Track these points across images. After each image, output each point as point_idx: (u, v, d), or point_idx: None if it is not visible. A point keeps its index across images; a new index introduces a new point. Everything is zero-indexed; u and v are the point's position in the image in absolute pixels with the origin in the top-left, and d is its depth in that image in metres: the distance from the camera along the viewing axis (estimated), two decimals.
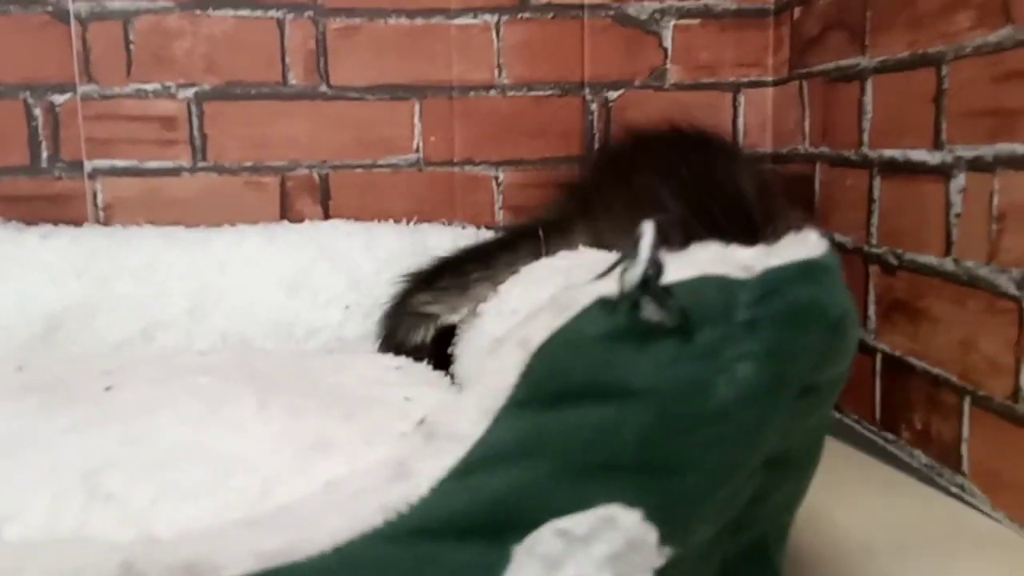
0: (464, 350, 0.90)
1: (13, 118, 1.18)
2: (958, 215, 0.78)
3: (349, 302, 0.97)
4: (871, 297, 0.94)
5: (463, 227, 1.16)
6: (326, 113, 1.23)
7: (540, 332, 0.33)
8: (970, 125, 0.76)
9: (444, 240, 1.07)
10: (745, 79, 1.28)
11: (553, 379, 0.32)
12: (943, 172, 0.80)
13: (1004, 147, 0.71)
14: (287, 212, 1.23)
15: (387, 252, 1.02)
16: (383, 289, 0.99)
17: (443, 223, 1.19)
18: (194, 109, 1.21)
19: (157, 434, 0.53)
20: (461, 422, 0.33)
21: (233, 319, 0.93)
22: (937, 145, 0.81)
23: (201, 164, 1.21)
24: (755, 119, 1.29)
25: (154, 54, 1.19)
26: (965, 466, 0.77)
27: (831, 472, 0.83)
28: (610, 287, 0.34)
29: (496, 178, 1.28)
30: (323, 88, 1.23)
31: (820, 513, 0.73)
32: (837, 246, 1.02)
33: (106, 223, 1.19)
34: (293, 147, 1.23)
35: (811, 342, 0.38)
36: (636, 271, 0.33)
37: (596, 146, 1.28)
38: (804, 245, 0.40)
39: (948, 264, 0.79)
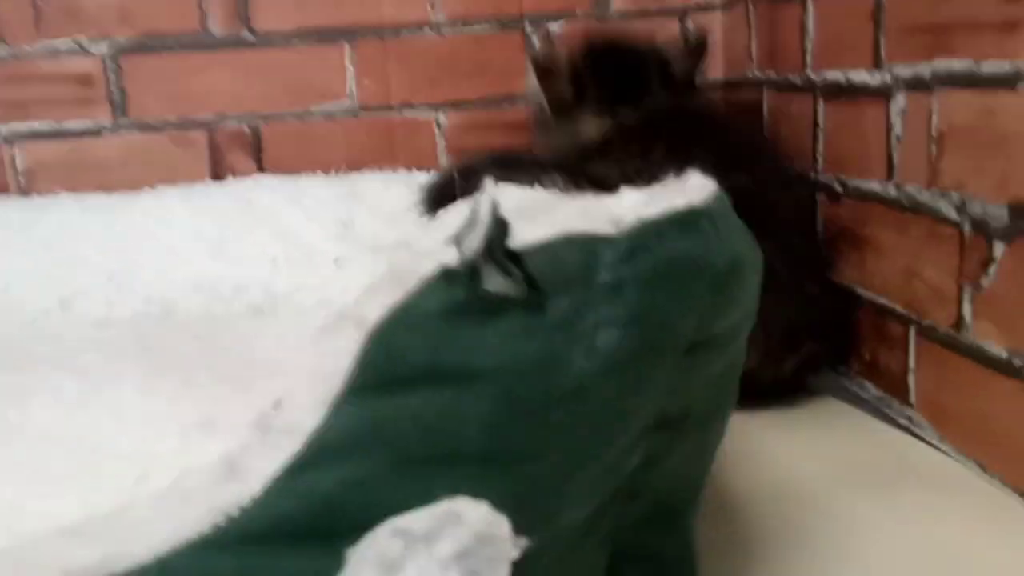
0: None
1: None
2: (899, 138, 0.74)
3: (276, 255, 0.92)
4: (819, 226, 0.91)
5: (394, 171, 1.11)
6: (252, 61, 1.17)
7: (377, 309, 0.30)
8: (908, 42, 0.72)
9: (375, 186, 1.03)
10: (692, 3, 1.23)
11: (390, 362, 0.29)
12: (883, 93, 0.76)
13: (941, 64, 0.67)
14: (218, 168, 1.18)
15: (315, 202, 0.97)
16: (312, 239, 0.95)
17: (375, 169, 1.14)
18: (110, 64, 1.14)
19: (29, 422, 0.49)
20: (297, 412, 0.30)
21: (155, 284, 0.89)
22: (877, 64, 0.77)
23: (123, 122, 1.15)
24: None
25: (62, 7, 1.12)
26: (912, 397, 0.75)
27: (774, 409, 0.81)
28: (453, 255, 0.30)
29: (437, 121, 1.22)
30: (246, 35, 1.16)
31: (762, 452, 0.71)
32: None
33: (27, 189, 1.14)
34: (219, 99, 1.17)
35: (692, 298, 0.34)
36: (476, 236, 0.29)
37: None
38: (687, 190, 0.37)
39: (891, 189, 0.76)
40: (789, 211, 0.83)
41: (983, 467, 0.66)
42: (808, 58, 0.91)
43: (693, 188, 0.37)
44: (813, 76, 0.90)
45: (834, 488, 0.65)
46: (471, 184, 0.82)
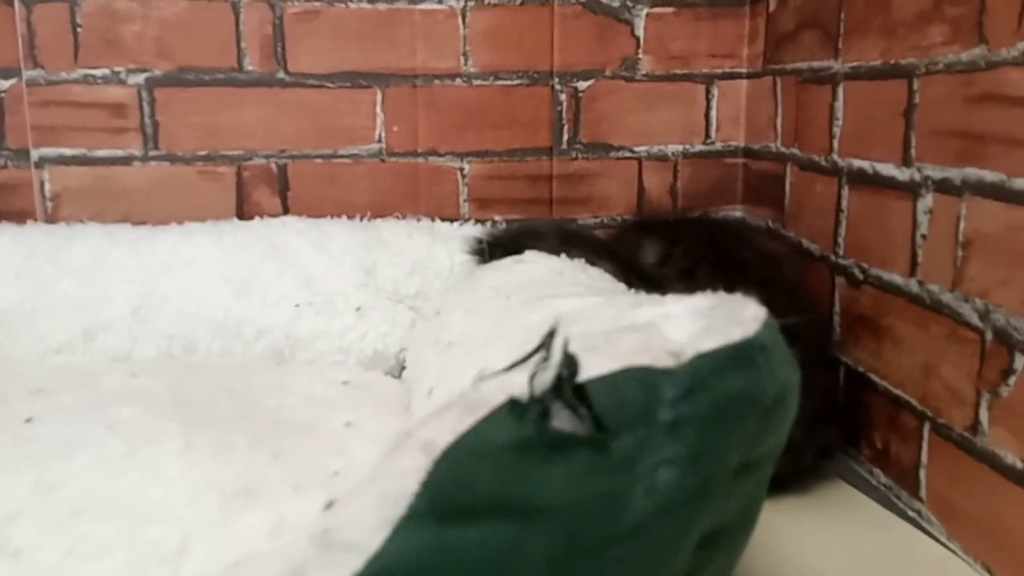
0: (412, 353, 0.88)
1: None
2: (924, 236, 0.76)
3: (299, 300, 0.93)
4: (836, 308, 0.92)
5: (418, 220, 1.13)
6: (284, 101, 1.19)
7: (445, 435, 0.31)
8: (940, 144, 0.74)
9: (399, 234, 1.04)
10: (719, 70, 1.25)
11: (456, 490, 0.30)
12: (911, 190, 0.77)
13: (972, 172, 0.69)
14: (244, 203, 1.19)
15: (339, 248, 0.99)
16: (335, 286, 0.96)
17: (397, 217, 1.15)
18: (145, 95, 1.16)
19: (73, 479, 0.50)
20: (359, 530, 0.31)
21: (178, 321, 0.90)
22: (906, 161, 0.78)
23: (153, 153, 1.17)
24: (728, 112, 1.26)
25: (102, 38, 1.14)
26: (923, 492, 0.76)
27: (789, 496, 0.82)
28: (522, 387, 0.31)
29: (461, 170, 1.24)
30: (280, 75, 1.18)
31: (773, 542, 0.72)
32: (805, 252, 1.00)
33: (54, 213, 1.15)
34: (249, 136, 1.19)
35: (744, 431, 0.35)
36: (548, 374, 0.30)
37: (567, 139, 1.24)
38: (740, 321, 0.38)
39: (913, 285, 0.77)
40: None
41: (989, 570, 0.66)
42: (835, 143, 0.93)
43: (747, 318, 0.38)
44: (839, 161, 0.91)
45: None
46: (528, 245, 0.85)
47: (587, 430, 0.30)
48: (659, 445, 0.31)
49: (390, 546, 0.30)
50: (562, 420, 0.30)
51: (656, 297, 0.50)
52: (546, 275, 0.70)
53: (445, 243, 1.06)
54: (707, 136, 1.26)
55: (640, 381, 0.33)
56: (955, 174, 0.71)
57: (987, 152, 0.67)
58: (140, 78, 1.15)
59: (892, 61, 0.81)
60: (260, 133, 1.19)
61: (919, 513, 0.76)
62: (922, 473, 0.76)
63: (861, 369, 0.87)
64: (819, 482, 0.83)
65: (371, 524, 0.31)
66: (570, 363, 0.31)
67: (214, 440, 0.55)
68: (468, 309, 0.67)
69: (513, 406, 0.31)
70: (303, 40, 1.17)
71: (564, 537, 0.29)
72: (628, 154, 1.26)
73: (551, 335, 0.32)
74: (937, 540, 0.72)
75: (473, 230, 1.09)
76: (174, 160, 1.17)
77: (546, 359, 0.31)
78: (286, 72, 1.18)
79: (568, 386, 0.30)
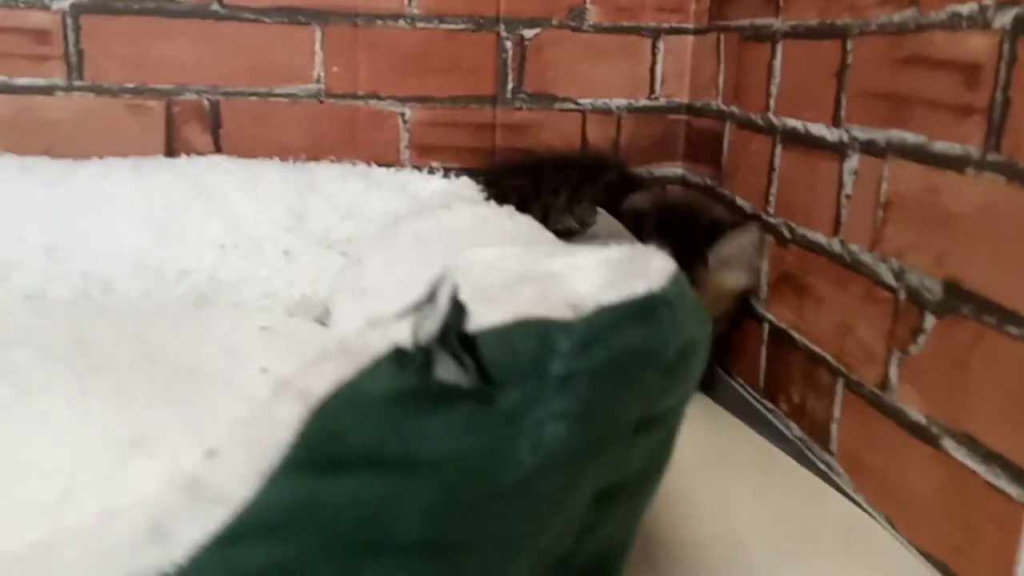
0: (336, 301, 0.87)
1: None
2: (848, 196, 0.77)
3: (225, 243, 0.91)
4: (764, 267, 0.93)
5: (353, 164, 1.10)
6: (218, 34, 1.14)
7: (323, 384, 0.30)
8: (869, 106, 0.74)
9: (332, 178, 1.02)
10: (666, 25, 1.23)
11: (332, 442, 0.29)
12: (838, 150, 0.78)
13: (896, 134, 0.69)
14: (173, 140, 1.15)
15: (269, 191, 0.96)
16: (263, 229, 0.94)
17: (332, 160, 1.12)
18: (70, 22, 1.10)
19: None
20: (230, 481, 0.30)
21: (95, 260, 0.87)
22: (836, 122, 0.79)
23: (77, 83, 1.12)
24: (674, 68, 1.25)
25: None
26: (833, 445, 0.78)
27: (703, 448, 0.84)
28: (406, 335, 0.30)
29: (403, 115, 1.22)
30: (215, 7, 1.13)
31: (684, 498, 0.73)
32: (738, 210, 1.00)
33: None
34: (180, 70, 1.14)
35: (642, 386, 0.35)
36: (432, 323, 0.30)
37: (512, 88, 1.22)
38: (646, 274, 0.38)
39: (835, 244, 0.78)
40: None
41: (892, 523, 0.69)
42: (772, 101, 0.93)
43: (654, 271, 0.37)
44: (775, 120, 0.92)
45: (754, 541, 0.67)
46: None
47: (471, 381, 0.30)
48: (548, 399, 0.31)
49: (261, 497, 0.30)
50: (446, 371, 0.30)
51: (572, 248, 0.49)
52: (471, 223, 0.69)
53: (380, 188, 1.04)
54: (651, 91, 1.25)
55: (534, 333, 0.32)
56: (880, 136, 0.72)
57: (912, 114, 0.68)
58: (65, 3, 1.09)
59: (829, 21, 0.81)
60: (192, 67, 1.14)
61: (829, 466, 0.78)
62: (833, 427, 0.78)
63: (783, 326, 0.88)
64: (732, 431, 0.85)
65: (242, 474, 0.30)
66: (457, 312, 0.30)
67: (112, 387, 0.54)
68: (387, 257, 0.66)
69: (395, 355, 0.30)
70: None
71: (443, 491, 0.29)
72: (572, 106, 1.24)
73: (440, 283, 0.31)
74: (843, 492, 0.75)
75: (410, 176, 1.07)
76: (100, 92, 1.12)
77: (432, 306, 0.30)
78: (221, 4, 1.13)
79: (453, 336, 0.30)
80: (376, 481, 0.29)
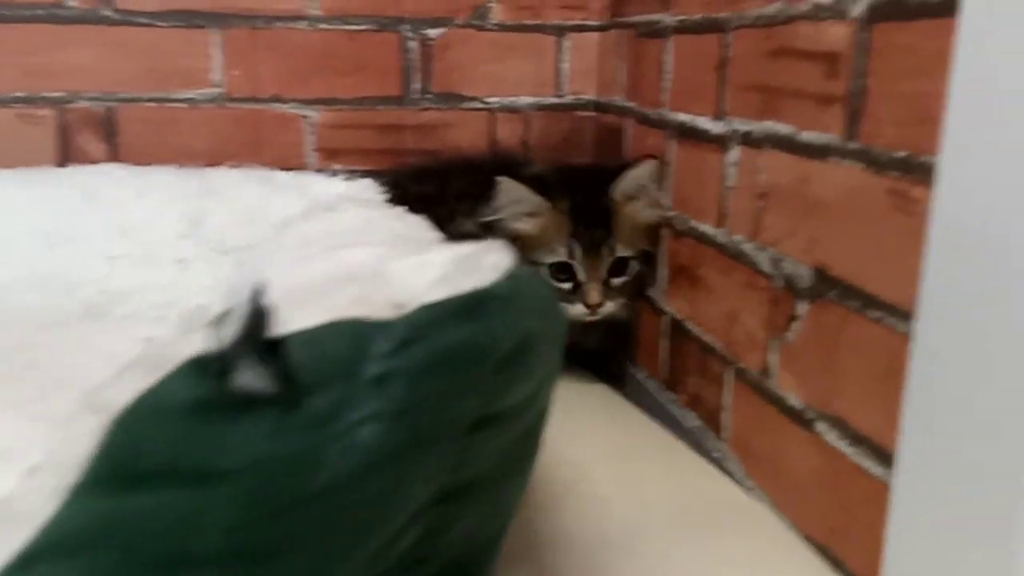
0: None
1: None
2: (730, 188, 0.78)
3: (116, 252, 0.89)
4: (663, 260, 0.94)
5: (256, 167, 1.08)
6: (112, 40, 1.12)
7: (123, 396, 0.29)
8: (746, 98, 0.76)
9: (231, 183, 1.00)
10: (570, 22, 1.24)
11: (131, 455, 0.29)
12: (722, 143, 0.80)
13: (769, 125, 0.71)
14: (67, 149, 1.12)
15: (163, 197, 0.94)
16: (157, 237, 0.92)
17: (232, 165, 1.11)
18: None
19: None
20: (35, 500, 0.29)
21: None
22: (719, 115, 0.80)
23: None
24: (580, 65, 1.25)
25: None
26: (725, 433, 0.80)
27: (604, 440, 0.85)
28: (209, 343, 0.30)
29: (307, 117, 1.20)
30: (107, 12, 1.11)
31: (582, 489, 0.74)
32: None
33: None
34: (73, 77, 1.11)
35: (471, 384, 0.36)
36: (232, 327, 0.29)
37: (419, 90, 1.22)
38: (478, 270, 0.38)
39: (721, 235, 0.80)
40: None
41: (777, 507, 0.70)
42: (664, 96, 0.94)
43: (487, 267, 0.38)
44: (667, 115, 0.93)
45: (648, 529, 0.68)
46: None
47: (275, 387, 0.29)
48: (362, 401, 0.31)
49: (60, 516, 0.29)
50: (247, 377, 0.29)
51: (434, 247, 0.49)
52: (355, 224, 0.68)
53: (282, 193, 1.02)
54: (558, 89, 1.26)
55: (348, 334, 0.32)
56: (756, 127, 0.73)
57: (782, 105, 0.69)
58: None
59: (711, 15, 0.82)
60: (86, 74, 1.11)
61: (722, 453, 0.80)
62: (724, 415, 0.79)
63: (681, 318, 0.90)
64: (631, 425, 0.87)
65: (46, 493, 0.30)
66: (259, 315, 0.30)
67: None
68: (271, 262, 0.65)
69: (194, 364, 0.30)
70: None
71: (245, 501, 0.28)
72: (480, 105, 1.25)
73: (244, 288, 0.31)
74: (734, 479, 0.76)
75: (312, 179, 1.06)
76: None
77: (230, 313, 0.30)
78: (113, 9, 1.11)
79: (256, 339, 0.30)
80: (176, 493, 0.28)
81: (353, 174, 1.20)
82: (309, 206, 0.98)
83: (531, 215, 0.98)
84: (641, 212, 0.96)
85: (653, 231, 0.96)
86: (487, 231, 0.99)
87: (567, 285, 0.95)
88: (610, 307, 0.95)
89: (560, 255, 0.95)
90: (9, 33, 1.09)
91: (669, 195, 0.93)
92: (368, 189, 1.00)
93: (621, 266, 0.96)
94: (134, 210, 0.92)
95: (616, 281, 0.96)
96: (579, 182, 0.99)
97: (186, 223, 0.94)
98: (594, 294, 0.94)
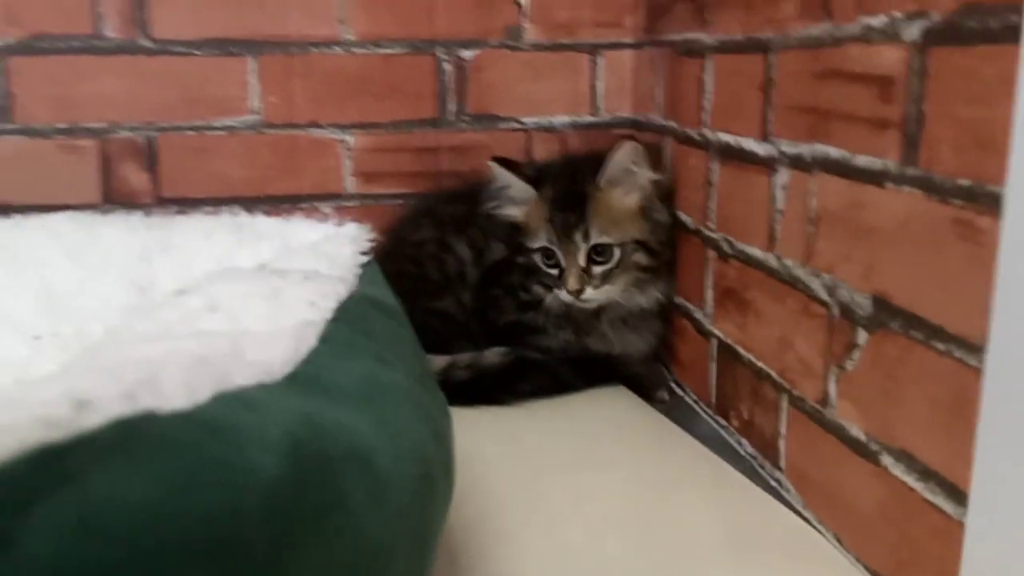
0: None
1: None
2: (781, 211, 0.76)
3: (40, 331, 0.72)
4: (709, 281, 0.93)
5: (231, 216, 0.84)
6: (148, 69, 1.12)
7: None
8: (793, 120, 0.74)
9: (193, 236, 0.79)
10: (604, 41, 1.23)
11: None
12: (769, 165, 0.78)
13: (820, 148, 0.69)
14: (110, 179, 1.13)
15: (103, 255, 0.76)
16: (89, 304, 0.73)
17: (180, 211, 1.03)
18: None
19: None
20: None
21: None
22: (764, 136, 0.79)
23: (7, 126, 1.09)
24: (615, 83, 1.25)
25: None
26: (782, 462, 0.78)
27: (658, 469, 0.83)
28: None
29: (343, 142, 1.20)
30: (143, 41, 1.12)
31: (636, 518, 0.73)
32: (682, 225, 1.00)
33: None
34: (113, 107, 1.12)
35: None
36: None
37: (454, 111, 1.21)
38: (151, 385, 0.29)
39: (771, 259, 0.78)
40: None
41: (839, 539, 0.68)
42: (705, 115, 0.93)
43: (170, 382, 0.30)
44: (709, 134, 0.91)
45: (705, 558, 0.67)
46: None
47: None
48: None
49: None
50: None
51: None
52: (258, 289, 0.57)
53: (255, 244, 0.78)
54: (593, 107, 1.25)
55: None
56: (806, 150, 0.71)
57: (832, 128, 0.68)
58: None
59: (752, 35, 0.81)
60: (124, 104, 1.12)
61: (779, 483, 0.78)
62: (781, 444, 0.77)
63: (730, 341, 0.88)
64: (683, 451, 0.85)
65: None
66: None
67: None
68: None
69: None
70: (166, 4, 1.11)
71: None
72: (516, 125, 1.24)
73: None
74: (793, 509, 0.74)
75: (295, 226, 0.79)
76: (31, 134, 1.10)
77: None
78: (149, 39, 1.12)
79: None
80: None
81: (390, 198, 1.20)
82: (275, 257, 0.72)
83: (522, 202, 1.01)
84: (622, 197, 0.97)
85: (652, 221, 0.97)
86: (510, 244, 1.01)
87: (554, 271, 0.98)
88: (594, 294, 0.96)
89: (543, 240, 0.97)
90: (47, 65, 1.10)
91: (667, 174, 0.96)
92: (350, 233, 0.74)
93: (601, 253, 0.96)
94: (61, 274, 0.75)
95: (597, 269, 0.96)
96: (573, 171, 1.00)
97: (132, 290, 0.75)
98: (572, 280, 0.95)
